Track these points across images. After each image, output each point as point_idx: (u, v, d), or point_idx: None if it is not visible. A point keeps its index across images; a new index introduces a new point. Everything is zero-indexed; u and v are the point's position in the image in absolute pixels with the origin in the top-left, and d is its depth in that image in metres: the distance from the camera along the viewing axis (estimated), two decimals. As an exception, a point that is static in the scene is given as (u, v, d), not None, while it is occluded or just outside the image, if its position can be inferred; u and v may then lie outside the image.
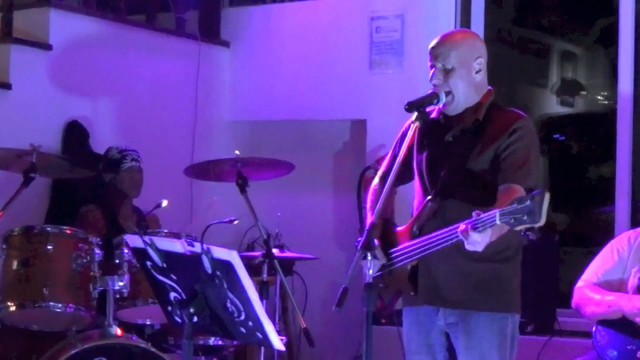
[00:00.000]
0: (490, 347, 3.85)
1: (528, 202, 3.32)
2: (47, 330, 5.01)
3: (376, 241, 3.83)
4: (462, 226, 3.44)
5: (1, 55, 6.12)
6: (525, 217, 3.31)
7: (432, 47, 3.91)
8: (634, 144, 6.17)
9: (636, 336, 4.42)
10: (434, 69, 3.88)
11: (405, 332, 4.07)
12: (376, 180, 4.18)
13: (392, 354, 5.04)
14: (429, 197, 3.86)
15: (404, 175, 4.03)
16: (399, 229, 3.99)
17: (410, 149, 3.95)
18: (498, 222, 3.36)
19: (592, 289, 4.60)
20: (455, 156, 3.86)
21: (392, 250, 3.94)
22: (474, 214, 3.43)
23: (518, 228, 3.36)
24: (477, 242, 3.44)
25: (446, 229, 3.64)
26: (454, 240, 3.58)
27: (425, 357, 4.00)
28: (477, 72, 3.89)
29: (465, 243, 3.47)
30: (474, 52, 3.93)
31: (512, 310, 3.91)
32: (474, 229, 3.42)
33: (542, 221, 3.31)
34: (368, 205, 4.14)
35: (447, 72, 3.85)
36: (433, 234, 3.72)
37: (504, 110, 3.93)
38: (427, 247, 3.76)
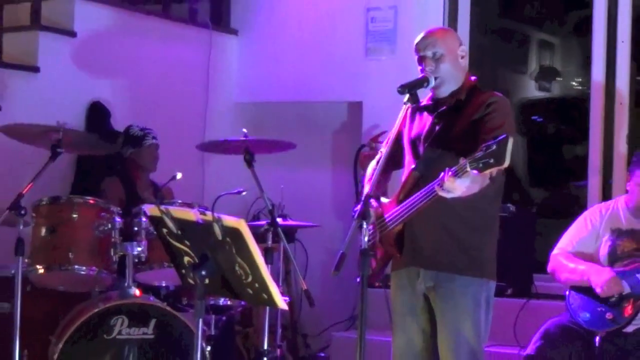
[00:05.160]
0: (464, 311, 3.85)
1: (494, 147, 3.29)
2: (72, 291, 5.03)
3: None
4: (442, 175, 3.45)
5: (30, 41, 6.12)
6: (491, 160, 3.28)
7: (420, 41, 3.94)
8: (605, 126, 6.16)
9: (605, 300, 4.44)
10: (425, 60, 3.89)
11: (392, 294, 4.08)
12: (373, 163, 4.20)
13: (384, 313, 5.06)
14: (413, 167, 3.88)
15: (399, 158, 4.04)
16: (386, 200, 4.00)
17: (401, 131, 4.00)
18: (468, 169, 3.33)
19: (567, 257, 4.61)
20: (438, 131, 3.88)
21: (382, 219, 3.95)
22: (446, 169, 3.43)
23: (487, 171, 3.32)
24: (452, 187, 3.43)
25: (423, 189, 3.66)
26: (431, 195, 3.60)
27: (408, 318, 4.01)
28: (462, 58, 3.96)
29: (443, 192, 3.46)
30: (456, 40, 4.01)
31: (486, 276, 3.90)
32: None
33: (507, 163, 3.27)
34: (366, 184, 4.15)
35: (437, 59, 3.88)
36: (413, 196, 3.74)
37: (483, 91, 3.95)
38: (410, 208, 3.77)
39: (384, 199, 4.02)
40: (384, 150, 4.13)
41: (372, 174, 4.12)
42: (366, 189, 4.06)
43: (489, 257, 3.93)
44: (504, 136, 3.30)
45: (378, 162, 4.16)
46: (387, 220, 3.91)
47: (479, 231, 3.89)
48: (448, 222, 3.84)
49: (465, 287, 3.84)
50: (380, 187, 4.08)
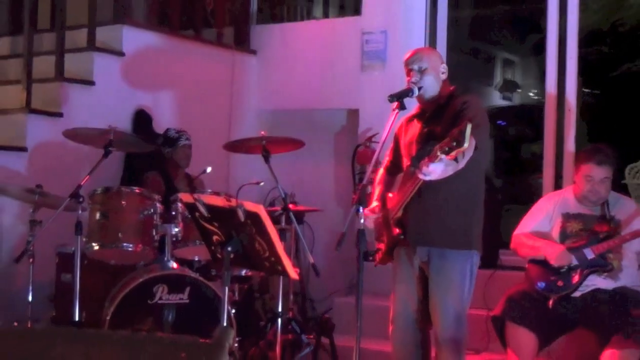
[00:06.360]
0: (451, 282, 3.85)
1: (456, 135, 3.28)
2: (121, 264, 5.03)
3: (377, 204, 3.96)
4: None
5: (87, 61, 6.11)
6: (455, 144, 3.27)
7: (409, 57, 3.94)
8: (557, 129, 6.15)
9: (557, 270, 4.43)
10: (411, 72, 3.89)
11: (394, 266, 4.08)
12: (382, 170, 4.22)
13: (377, 282, 5.06)
14: (408, 164, 3.87)
15: (400, 164, 4.05)
16: (391, 195, 4.01)
17: (398, 141, 4.03)
18: (439, 154, 3.32)
19: (526, 236, 4.60)
20: (426, 132, 3.88)
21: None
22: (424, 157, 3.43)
23: (453, 154, 3.28)
24: (427, 171, 3.42)
25: (412, 179, 3.68)
26: (417, 182, 3.62)
27: (406, 286, 4.01)
28: (442, 73, 3.94)
29: (421, 175, 3.45)
30: (439, 59, 4.00)
31: (472, 248, 3.89)
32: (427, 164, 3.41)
33: (466, 144, 3.23)
34: (376, 185, 4.19)
35: (422, 72, 3.87)
36: (407, 186, 3.77)
37: (459, 96, 3.93)
38: (404, 195, 3.79)
39: (390, 194, 4.03)
40: (387, 159, 4.16)
41: (380, 178, 4.19)
42: (377, 190, 4.10)
43: (475, 233, 3.92)
44: (463, 123, 3.29)
45: (385, 168, 4.19)
46: (391, 209, 3.92)
47: (464, 212, 3.88)
48: (438, 206, 3.83)
49: (453, 261, 3.84)
50: (389, 187, 4.10)
